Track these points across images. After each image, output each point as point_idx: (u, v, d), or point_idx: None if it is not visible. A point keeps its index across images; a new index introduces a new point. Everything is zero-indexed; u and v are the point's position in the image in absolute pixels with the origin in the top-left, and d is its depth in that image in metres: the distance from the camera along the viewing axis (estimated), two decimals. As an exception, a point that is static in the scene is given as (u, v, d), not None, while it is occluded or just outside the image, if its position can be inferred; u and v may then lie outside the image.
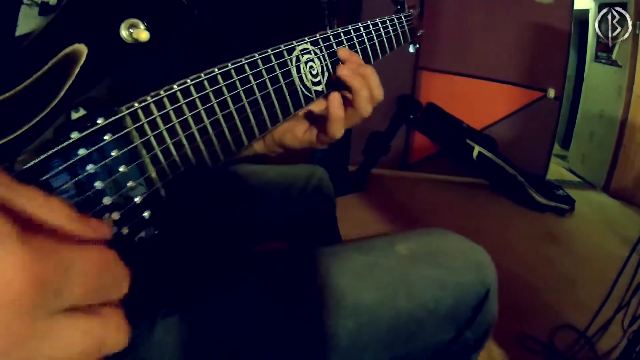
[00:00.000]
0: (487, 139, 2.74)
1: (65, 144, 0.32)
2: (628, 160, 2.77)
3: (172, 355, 0.49)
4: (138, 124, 0.36)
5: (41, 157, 0.30)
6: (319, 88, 0.56)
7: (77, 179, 0.32)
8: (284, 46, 0.51)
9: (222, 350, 0.51)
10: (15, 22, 0.39)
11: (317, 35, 0.57)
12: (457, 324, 0.58)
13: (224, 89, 0.43)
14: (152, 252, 0.38)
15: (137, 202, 0.35)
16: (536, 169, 2.87)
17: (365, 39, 0.64)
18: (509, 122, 2.89)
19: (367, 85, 0.57)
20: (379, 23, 0.68)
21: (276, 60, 0.50)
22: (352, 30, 0.62)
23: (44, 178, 0.30)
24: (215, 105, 0.42)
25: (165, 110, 0.38)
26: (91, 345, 0.20)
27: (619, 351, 1.22)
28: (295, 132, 0.61)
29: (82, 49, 0.35)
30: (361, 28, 0.64)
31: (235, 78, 0.44)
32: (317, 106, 0.62)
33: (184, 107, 0.39)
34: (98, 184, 0.33)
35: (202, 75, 0.41)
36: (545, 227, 2.36)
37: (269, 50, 0.49)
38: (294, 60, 0.52)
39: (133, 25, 0.38)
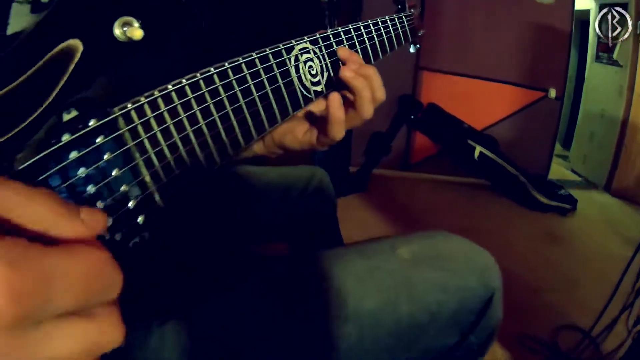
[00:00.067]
0: (488, 139, 2.73)
1: (56, 146, 0.30)
2: (629, 160, 2.76)
3: (171, 356, 0.48)
4: (131, 126, 0.34)
5: (30, 161, 0.29)
6: (318, 88, 0.55)
7: (68, 182, 0.31)
8: (283, 45, 0.50)
9: (222, 351, 0.50)
10: (6, 20, 0.38)
11: (317, 34, 0.55)
12: (461, 328, 0.57)
13: (221, 89, 0.42)
14: (147, 257, 0.37)
15: (130, 207, 0.34)
16: (538, 169, 2.85)
17: (366, 39, 0.63)
18: (510, 122, 2.88)
19: (370, 86, 0.56)
20: (380, 22, 0.67)
21: (274, 60, 0.49)
22: (352, 30, 0.61)
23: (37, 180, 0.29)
24: (211, 106, 0.41)
25: (160, 111, 0.36)
26: (88, 347, 0.20)
27: (624, 351, 1.22)
28: (295, 133, 0.60)
29: (78, 44, 0.34)
30: (361, 27, 0.63)
31: (232, 78, 0.43)
32: (316, 107, 0.61)
33: (179, 107, 0.38)
34: (90, 188, 0.32)
35: (198, 74, 0.40)
36: (547, 227, 2.35)
37: (267, 50, 0.48)
38: (292, 59, 0.51)
39: (127, 24, 0.36)
